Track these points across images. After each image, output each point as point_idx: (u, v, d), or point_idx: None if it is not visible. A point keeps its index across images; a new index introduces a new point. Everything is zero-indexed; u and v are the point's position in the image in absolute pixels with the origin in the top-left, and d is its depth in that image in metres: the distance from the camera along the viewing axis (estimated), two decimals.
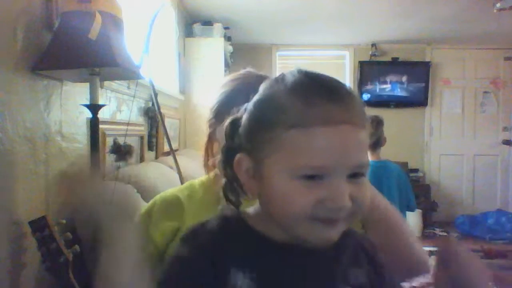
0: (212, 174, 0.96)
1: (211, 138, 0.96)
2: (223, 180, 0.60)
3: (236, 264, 0.53)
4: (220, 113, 0.92)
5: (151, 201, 0.94)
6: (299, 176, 0.50)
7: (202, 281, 0.53)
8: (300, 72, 0.54)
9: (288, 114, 0.50)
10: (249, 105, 0.56)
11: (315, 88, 0.52)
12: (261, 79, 0.93)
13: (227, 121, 0.59)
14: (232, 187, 0.59)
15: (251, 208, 0.60)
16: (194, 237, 0.57)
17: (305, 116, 0.49)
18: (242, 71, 0.97)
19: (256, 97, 0.56)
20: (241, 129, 0.57)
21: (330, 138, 0.49)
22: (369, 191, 0.53)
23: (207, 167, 0.98)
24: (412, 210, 2.68)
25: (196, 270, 0.54)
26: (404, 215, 2.57)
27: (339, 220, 0.51)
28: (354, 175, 0.51)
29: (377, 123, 2.37)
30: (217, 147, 0.94)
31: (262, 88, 0.57)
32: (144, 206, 0.94)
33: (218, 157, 0.60)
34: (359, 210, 0.52)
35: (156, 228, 0.88)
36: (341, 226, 0.52)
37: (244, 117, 0.56)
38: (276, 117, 0.51)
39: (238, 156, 0.56)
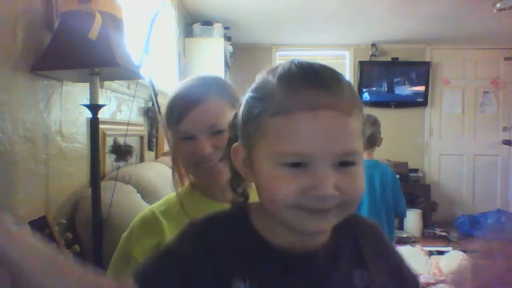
0: (186, 184, 0.97)
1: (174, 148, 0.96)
2: (229, 174, 0.60)
3: (237, 271, 0.53)
4: (168, 122, 0.93)
5: (132, 223, 0.95)
6: (284, 164, 0.48)
7: (200, 280, 0.52)
8: (293, 61, 0.53)
9: (272, 102, 0.50)
10: (244, 97, 0.56)
11: (300, 75, 0.50)
12: (206, 80, 0.93)
13: (232, 115, 0.59)
14: (237, 179, 0.59)
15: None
16: (197, 234, 0.56)
17: (287, 103, 0.48)
18: (192, 76, 0.97)
19: (250, 88, 0.56)
20: (236, 120, 0.57)
21: (312, 124, 0.47)
22: (361, 180, 0.51)
23: (180, 178, 0.97)
24: (401, 216, 2.58)
25: (196, 267, 0.53)
26: (392, 219, 2.49)
27: (328, 211, 0.49)
28: (344, 164, 0.49)
29: (371, 122, 2.36)
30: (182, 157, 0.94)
31: (256, 79, 0.56)
32: (126, 230, 0.96)
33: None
34: (349, 200, 0.49)
35: (137, 247, 0.89)
36: (332, 217, 0.50)
37: (240, 109, 0.56)
38: (262, 105, 0.51)
39: (234, 145, 0.57)
